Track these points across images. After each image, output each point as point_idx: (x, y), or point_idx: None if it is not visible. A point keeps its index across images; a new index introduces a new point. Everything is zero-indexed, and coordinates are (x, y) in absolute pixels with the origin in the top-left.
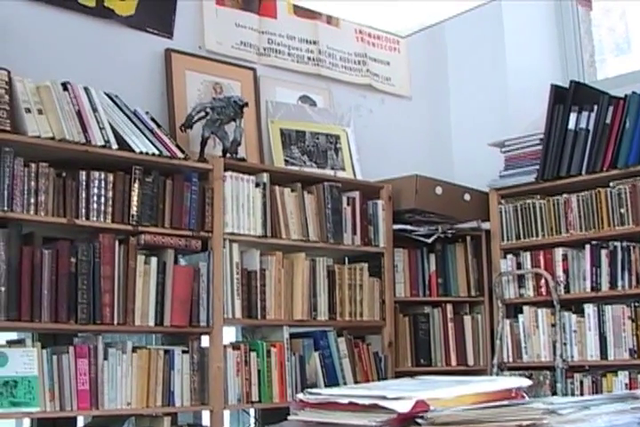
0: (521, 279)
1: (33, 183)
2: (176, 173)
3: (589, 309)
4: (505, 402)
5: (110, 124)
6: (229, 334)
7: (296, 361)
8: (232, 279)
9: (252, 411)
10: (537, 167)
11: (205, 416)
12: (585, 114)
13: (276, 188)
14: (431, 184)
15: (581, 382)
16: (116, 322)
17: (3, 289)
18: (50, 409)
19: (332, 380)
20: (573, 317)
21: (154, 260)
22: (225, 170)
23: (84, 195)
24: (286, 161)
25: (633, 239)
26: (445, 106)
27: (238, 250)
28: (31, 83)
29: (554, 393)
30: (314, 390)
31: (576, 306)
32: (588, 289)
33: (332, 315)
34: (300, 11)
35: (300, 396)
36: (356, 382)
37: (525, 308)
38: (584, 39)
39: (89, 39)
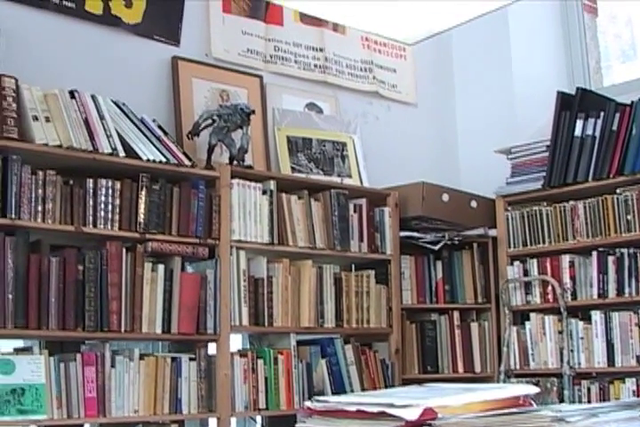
0: (528, 286)
1: (40, 191)
2: (183, 181)
3: (596, 315)
4: (513, 410)
5: (117, 131)
6: (236, 342)
7: (303, 368)
8: (239, 287)
9: (259, 418)
10: (543, 174)
11: (212, 424)
12: (591, 121)
13: (283, 195)
14: (438, 191)
15: (589, 389)
16: (123, 329)
17: (10, 297)
18: (57, 417)
19: (339, 387)
20: (580, 323)
21: (161, 267)
22: (232, 177)
23: (91, 202)
24: (293, 168)
25: None
26: (452, 113)
27: (245, 257)
28: (39, 91)
29: (561, 400)
30: (321, 398)
31: (583, 313)
32: (595, 296)
33: (339, 322)
34: (306, 18)
35: (308, 403)
36: (363, 389)
37: (532, 315)
38: (590, 46)
39: (96, 47)
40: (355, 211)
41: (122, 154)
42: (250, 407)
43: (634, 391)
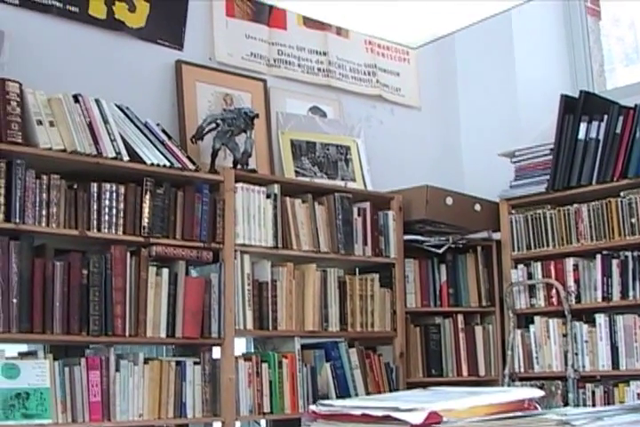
0: (532, 289)
1: (44, 195)
2: (187, 185)
3: (601, 319)
4: (519, 413)
5: (121, 135)
6: (241, 346)
7: (307, 372)
8: (243, 290)
9: (263, 422)
10: (547, 177)
11: None
12: (595, 124)
13: (287, 199)
14: (442, 194)
15: (593, 393)
16: (127, 334)
17: (15, 301)
18: (62, 421)
19: (343, 391)
20: (585, 327)
21: (165, 271)
22: (236, 181)
23: (95, 207)
24: (297, 172)
25: None
26: (455, 116)
27: (249, 261)
28: (43, 95)
29: (565, 404)
30: (326, 402)
31: (587, 316)
32: (600, 299)
33: (344, 326)
34: (309, 22)
35: (313, 407)
36: (367, 392)
37: (536, 318)
38: (593, 49)
39: (100, 51)
40: (359, 214)
41: (126, 158)
42: (254, 411)
43: (638, 394)
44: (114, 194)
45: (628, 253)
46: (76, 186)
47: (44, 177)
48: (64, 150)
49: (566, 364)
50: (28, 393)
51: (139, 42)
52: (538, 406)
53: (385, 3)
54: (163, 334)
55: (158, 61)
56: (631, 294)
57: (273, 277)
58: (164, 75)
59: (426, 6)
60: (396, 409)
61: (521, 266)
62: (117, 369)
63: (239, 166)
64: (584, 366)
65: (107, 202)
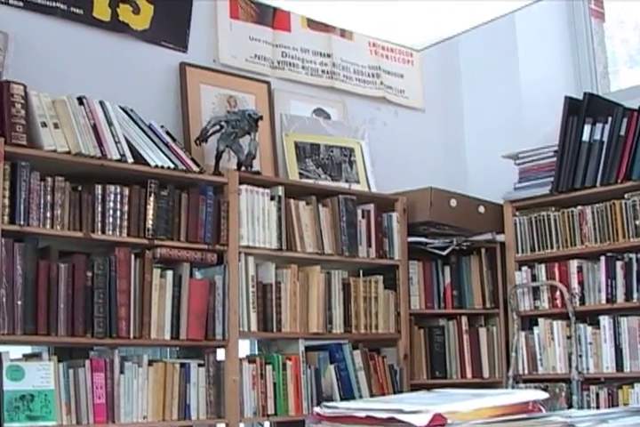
0: (536, 291)
1: (49, 197)
2: (191, 187)
3: (605, 321)
4: (523, 415)
5: (126, 137)
6: (245, 348)
7: (312, 374)
8: (247, 292)
9: (267, 424)
10: (551, 179)
11: None
12: (599, 126)
13: (291, 201)
14: (446, 196)
15: (597, 395)
16: (132, 336)
17: (19, 303)
18: (66, 423)
19: (347, 393)
20: (589, 329)
21: (169, 273)
22: (240, 183)
23: (99, 209)
24: (301, 174)
25: None
26: (459, 118)
27: (254, 263)
28: (47, 97)
29: (570, 406)
30: (330, 404)
31: (591, 318)
32: (604, 301)
33: (348, 328)
34: (313, 24)
35: (317, 409)
36: (371, 394)
37: (540, 320)
38: (597, 51)
39: (104, 53)
40: (363, 216)
41: (130, 160)
42: (258, 413)
43: None
44: (118, 196)
45: (633, 255)
46: (80, 188)
47: (49, 179)
48: (68, 152)
49: (570, 366)
50: (33, 395)
51: (143, 44)
52: (542, 408)
53: (389, 5)
54: (167, 336)
55: (162, 63)
56: (635, 295)
57: (277, 279)
58: (168, 77)
59: (430, 8)
60: (401, 411)
61: (525, 268)
62: (122, 371)
63: (243, 168)
64: (588, 369)
65: (111, 204)
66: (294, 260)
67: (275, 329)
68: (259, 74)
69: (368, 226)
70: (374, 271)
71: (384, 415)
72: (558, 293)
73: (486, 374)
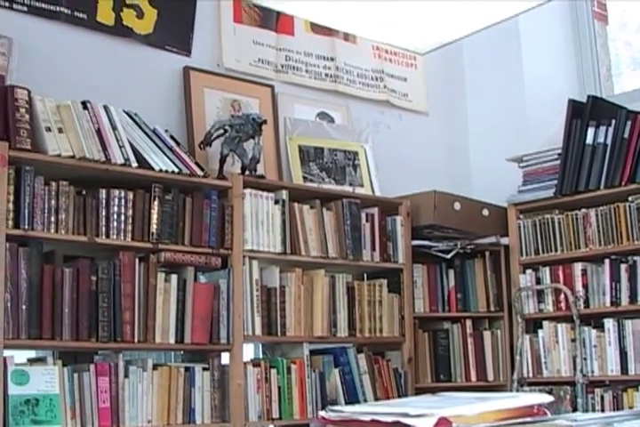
0: (540, 294)
1: (53, 202)
2: (195, 191)
3: (609, 323)
4: (528, 419)
5: (130, 142)
6: (249, 351)
7: (316, 378)
8: (252, 296)
9: None
10: (555, 182)
11: None
12: (603, 128)
13: (295, 204)
14: (449, 200)
15: (602, 398)
16: (136, 340)
17: (24, 307)
18: None
19: (352, 396)
20: (593, 331)
21: (174, 277)
22: (244, 187)
23: (104, 213)
24: (305, 178)
25: None
26: (463, 121)
27: (258, 267)
28: (51, 102)
29: (574, 409)
30: (335, 408)
31: (596, 321)
32: (608, 304)
33: (352, 331)
34: (317, 28)
35: (322, 413)
36: (376, 398)
37: (545, 323)
38: (601, 53)
39: (108, 58)
40: (367, 220)
41: (134, 164)
42: (263, 417)
43: None
44: (122, 200)
45: (637, 258)
46: (84, 192)
47: (53, 183)
48: (73, 157)
49: (575, 369)
50: (38, 399)
51: (147, 48)
52: (547, 411)
53: (392, 8)
54: (171, 340)
55: (166, 68)
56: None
57: (281, 283)
58: (171, 81)
59: (433, 12)
60: (406, 415)
61: (529, 271)
62: (126, 375)
63: (247, 172)
64: (593, 371)
65: (115, 208)
66: (298, 264)
67: (279, 333)
68: (262, 78)
69: (372, 229)
70: (378, 275)
71: (389, 419)
72: (563, 296)
73: (491, 377)
